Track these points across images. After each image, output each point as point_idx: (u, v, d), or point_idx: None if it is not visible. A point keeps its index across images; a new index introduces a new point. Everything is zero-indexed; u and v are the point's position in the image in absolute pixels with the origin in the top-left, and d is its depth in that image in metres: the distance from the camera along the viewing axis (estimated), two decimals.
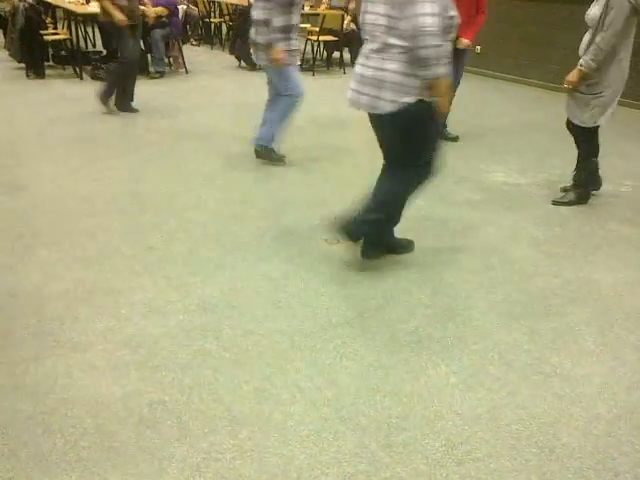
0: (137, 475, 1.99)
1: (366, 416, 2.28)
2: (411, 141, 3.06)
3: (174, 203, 4.22)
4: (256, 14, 4.63)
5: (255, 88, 8.51)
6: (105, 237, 3.66)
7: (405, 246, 3.60)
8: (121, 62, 6.47)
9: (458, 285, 3.24)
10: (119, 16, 6.09)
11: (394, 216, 3.37)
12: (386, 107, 2.93)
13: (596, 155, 4.29)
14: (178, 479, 1.98)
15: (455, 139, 6.00)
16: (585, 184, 4.41)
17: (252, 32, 4.81)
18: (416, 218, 4.06)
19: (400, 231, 3.52)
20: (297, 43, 4.78)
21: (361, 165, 5.19)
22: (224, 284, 3.17)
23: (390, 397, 2.38)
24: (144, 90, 7.36)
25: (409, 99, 2.88)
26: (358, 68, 3.08)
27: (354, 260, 3.46)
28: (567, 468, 2.07)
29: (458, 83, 5.63)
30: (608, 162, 4.83)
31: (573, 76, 4.01)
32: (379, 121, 3.09)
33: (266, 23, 4.55)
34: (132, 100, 6.72)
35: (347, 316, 2.92)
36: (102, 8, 6.18)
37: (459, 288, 3.21)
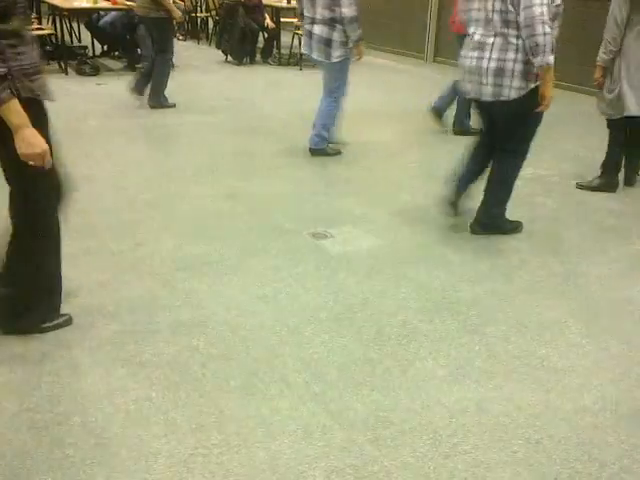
0: (124, 472, 1.98)
1: (354, 410, 2.28)
2: (527, 125, 3.42)
3: (160, 199, 4.20)
4: (348, 11, 4.65)
5: (241, 83, 8.50)
6: (91, 233, 3.64)
7: (515, 227, 3.84)
8: (168, 59, 6.57)
9: (445, 278, 3.25)
10: (178, 12, 6.19)
11: (507, 195, 3.66)
12: (512, 94, 3.25)
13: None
14: (165, 475, 1.97)
15: (477, 133, 6.03)
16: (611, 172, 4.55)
17: (323, 31, 4.82)
18: (404, 213, 4.07)
19: (389, 227, 3.52)
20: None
21: (347, 160, 5.18)
22: (211, 279, 3.16)
23: (378, 391, 2.38)
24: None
25: (532, 85, 3.23)
26: (472, 61, 3.34)
27: (341, 254, 3.46)
28: (554, 459, 2.08)
29: None
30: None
31: (595, 73, 4.15)
32: (500, 108, 3.37)
33: (355, 19, 4.71)
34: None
35: (335, 311, 2.92)
36: (154, 3, 6.11)
37: (446, 281, 3.22)
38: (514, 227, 3.82)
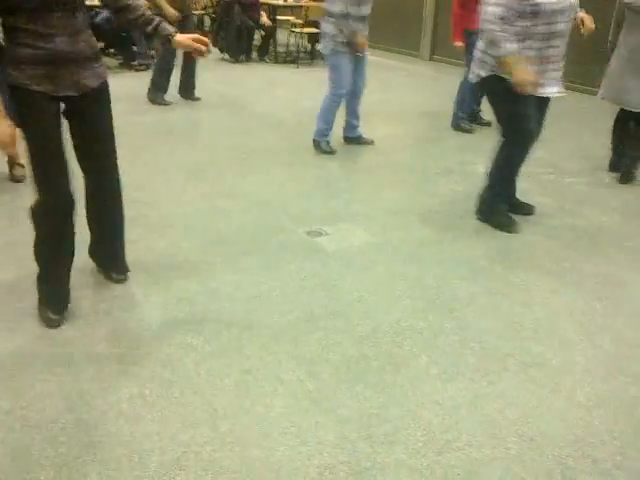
0: (117, 469, 1.98)
1: (347, 407, 2.28)
2: (500, 113, 3.66)
3: (156, 196, 4.19)
4: (329, 5, 4.84)
5: (237, 80, 8.49)
6: (85, 230, 3.62)
7: (527, 210, 4.07)
8: (165, 57, 6.50)
9: (440, 276, 3.25)
10: (171, 11, 6.03)
11: (500, 183, 3.83)
12: (473, 79, 3.66)
13: None
14: (158, 473, 1.97)
15: (488, 124, 6.20)
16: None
17: (322, 24, 5.03)
18: (398, 210, 4.07)
19: (385, 225, 3.52)
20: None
21: (344, 157, 5.18)
22: (204, 277, 3.16)
23: (371, 388, 2.38)
24: (128, 82, 7.32)
25: (483, 72, 3.53)
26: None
27: (336, 252, 3.46)
28: (547, 456, 2.08)
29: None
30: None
31: None
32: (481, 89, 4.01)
33: (343, 15, 4.80)
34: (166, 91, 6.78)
35: (329, 308, 2.92)
36: (149, 3, 6.00)
37: (440, 279, 3.22)
38: (501, 223, 3.84)
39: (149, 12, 2.64)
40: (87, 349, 2.56)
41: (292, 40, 10.11)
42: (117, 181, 2.94)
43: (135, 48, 8.92)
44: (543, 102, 3.67)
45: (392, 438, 2.14)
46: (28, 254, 2.74)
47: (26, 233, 2.80)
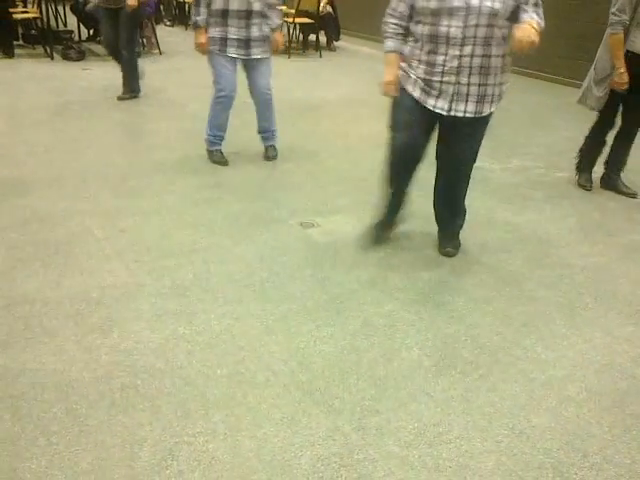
0: (109, 459, 1.97)
1: (339, 399, 2.28)
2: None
3: (146, 186, 4.17)
4: None
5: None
6: (75, 219, 3.60)
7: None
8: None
9: (431, 269, 3.25)
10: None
11: (384, 193, 3.43)
12: None
13: None
14: (151, 463, 1.97)
15: None
16: None
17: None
18: None
19: (369, 214, 3.52)
20: (240, 32, 4.32)
21: (336, 149, 5.17)
22: (197, 268, 3.15)
23: (363, 380, 2.39)
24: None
25: None
26: None
27: (329, 244, 3.46)
28: (537, 449, 2.10)
29: None
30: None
31: None
32: None
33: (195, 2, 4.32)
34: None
35: (321, 300, 2.92)
36: None
37: (432, 272, 3.22)
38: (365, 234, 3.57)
39: None
40: (78, 338, 2.55)
41: (284, 30, 10.05)
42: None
43: None
44: (448, 119, 3.03)
45: (384, 430, 2.15)
46: None
47: None
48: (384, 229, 3.51)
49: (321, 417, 2.19)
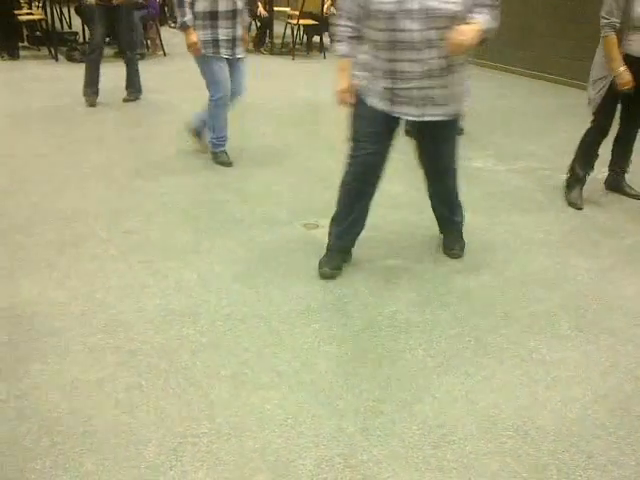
0: (113, 459, 1.97)
1: (343, 400, 2.28)
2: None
3: (150, 187, 4.17)
4: None
5: (254, 73, 8.43)
6: (80, 221, 3.61)
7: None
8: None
9: (436, 270, 3.25)
10: None
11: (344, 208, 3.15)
12: None
13: None
14: (155, 463, 1.97)
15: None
16: None
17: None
18: (394, 205, 4.06)
19: (381, 218, 3.52)
20: (228, 32, 4.32)
21: (340, 151, 5.16)
22: (201, 268, 3.15)
23: (368, 381, 2.39)
24: (122, 72, 7.26)
25: None
26: None
27: None
28: (542, 450, 2.09)
29: None
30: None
31: None
32: None
33: (178, 3, 4.25)
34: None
35: (325, 301, 2.92)
36: None
37: (437, 273, 3.22)
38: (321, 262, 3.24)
39: None
40: (82, 339, 2.55)
41: (288, 31, 10.06)
42: None
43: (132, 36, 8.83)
44: (421, 125, 2.96)
45: (388, 431, 2.15)
46: None
47: None
48: (341, 254, 3.20)
49: (325, 418, 2.19)
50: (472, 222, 3.85)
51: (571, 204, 4.20)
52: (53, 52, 8.51)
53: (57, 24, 9.66)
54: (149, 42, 9.43)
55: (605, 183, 4.53)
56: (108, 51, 9.00)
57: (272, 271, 3.16)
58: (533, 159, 5.15)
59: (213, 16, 4.23)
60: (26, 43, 9.07)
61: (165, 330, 2.64)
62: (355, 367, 2.46)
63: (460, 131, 5.63)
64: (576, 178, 4.23)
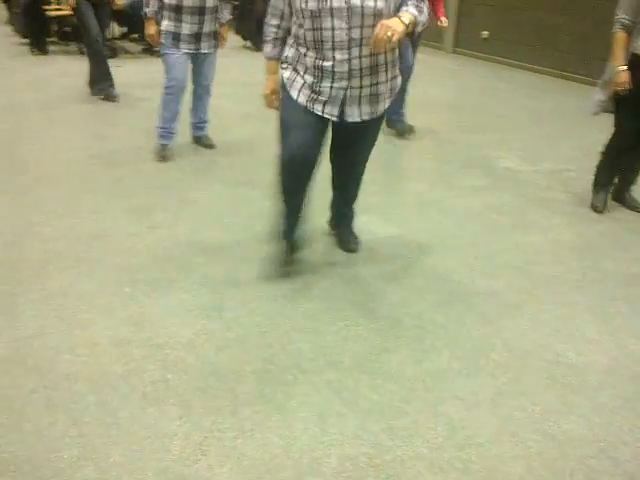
0: (139, 452, 1.99)
1: (368, 399, 2.28)
2: None
3: (176, 184, 4.20)
4: None
5: (258, 68, 8.45)
6: (108, 215, 3.65)
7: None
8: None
9: (461, 271, 3.23)
10: None
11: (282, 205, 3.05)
12: None
13: None
14: (180, 457, 1.98)
15: (408, 130, 5.53)
16: None
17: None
18: (419, 203, 4.05)
19: (407, 217, 3.50)
20: (192, 27, 4.34)
21: None
22: (227, 264, 3.16)
23: (392, 381, 2.38)
24: (150, 68, 7.33)
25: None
26: None
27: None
28: (568, 455, 2.07)
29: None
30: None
31: None
32: None
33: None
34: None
35: (351, 299, 2.91)
36: None
37: (462, 274, 3.20)
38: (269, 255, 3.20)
39: None
40: (110, 332, 2.58)
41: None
42: None
43: None
44: (341, 124, 2.87)
45: (412, 432, 2.14)
46: None
47: None
48: (288, 250, 3.12)
49: (349, 416, 2.19)
50: (497, 222, 3.83)
51: (593, 207, 4.15)
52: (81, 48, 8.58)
53: None
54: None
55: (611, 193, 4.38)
56: (135, 46, 9.08)
57: (298, 268, 3.14)
58: (560, 160, 5.09)
59: (178, 10, 4.27)
60: (55, 38, 9.16)
61: (191, 324, 2.65)
62: (380, 366, 2.46)
63: (411, 128, 5.48)
64: (601, 183, 4.16)
